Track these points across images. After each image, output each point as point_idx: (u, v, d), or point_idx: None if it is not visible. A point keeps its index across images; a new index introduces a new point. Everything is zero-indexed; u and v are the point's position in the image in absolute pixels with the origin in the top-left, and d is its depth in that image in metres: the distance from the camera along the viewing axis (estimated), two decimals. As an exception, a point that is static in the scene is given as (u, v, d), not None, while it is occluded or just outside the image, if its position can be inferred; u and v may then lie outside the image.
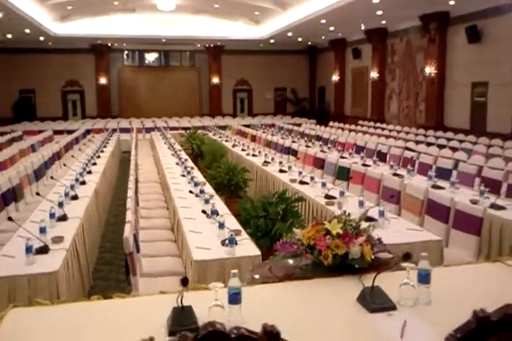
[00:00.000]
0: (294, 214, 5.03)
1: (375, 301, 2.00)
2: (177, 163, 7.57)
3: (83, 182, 6.44)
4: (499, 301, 2.06)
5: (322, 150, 9.50)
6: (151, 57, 22.49)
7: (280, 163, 7.84)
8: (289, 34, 17.49)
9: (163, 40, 19.49)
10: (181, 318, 1.83)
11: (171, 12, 16.03)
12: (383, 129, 14.59)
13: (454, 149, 9.50)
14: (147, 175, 8.29)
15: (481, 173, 6.53)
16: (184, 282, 1.77)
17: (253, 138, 12.78)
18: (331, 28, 16.30)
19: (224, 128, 16.61)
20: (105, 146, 10.86)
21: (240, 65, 21.83)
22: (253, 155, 9.14)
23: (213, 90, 21.97)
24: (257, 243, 4.15)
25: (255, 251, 3.70)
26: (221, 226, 4.07)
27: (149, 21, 17.72)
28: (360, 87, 18.09)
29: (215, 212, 4.51)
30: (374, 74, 16.70)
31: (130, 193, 4.98)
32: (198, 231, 4.22)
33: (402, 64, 15.48)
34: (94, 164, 8.15)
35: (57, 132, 15.84)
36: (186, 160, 8.39)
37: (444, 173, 6.78)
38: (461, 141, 10.60)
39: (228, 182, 7.23)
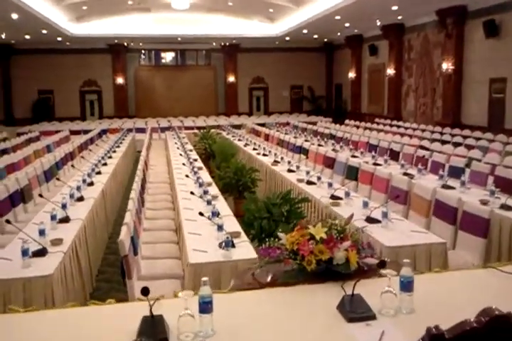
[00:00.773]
0: (297, 215, 4.95)
1: (354, 310, 1.92)
2: (183, 164, 7.55)
3: (91, 183, 6.46)
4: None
5: (334, 149, 9.39)
6: (167, 57, 22.58)
7: (289, 162, 7.76)
8: (305, 31, 17.35)
9: (179, 39, 19.54)
10: (149, 328, 1.78)
11: (186, 11, 16.04)
12: (399, 127, 14.37)
13: (469, 147, 9.28)
14: (158, 176, 8.30)
15: (495, 172, 6.34)
16: (144, 292, 1.72)
17: (266, 137, 12.71)
18: (347, 25, 16.12)
19: (239, 127, 16.56)
20: (118, 146, 10.90)
21: (255, 62, 21.77)
22: (264, 155, 9.08)
23: (229, 89, 21.96)
24: (260, 245, 4.09)
25: (253, 254, 3.64)
26: (219, 228, 4.03)
27: (165, 21, 17.79)
28: (377, 84, 17.85)
29: (215, 214, 4.46)
30: (391, 71, 16.46)
31: (132, 194, 4.96)
32: (198, 233, 4.17)
33: (419, 60, 15.21)
34: (105, 164, 8.18)
35: (74, 132, 15.98)
36: (196, 160, 8.37)
37: (456, 172, 6.61)
38: (477, 139, 10.35)
39: (236, 182, 7.18)
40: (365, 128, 14.26)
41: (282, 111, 21.79)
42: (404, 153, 8.54)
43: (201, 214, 4.10)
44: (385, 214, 4.23)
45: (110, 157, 9.14)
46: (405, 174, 6.60)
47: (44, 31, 15.81)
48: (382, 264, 1.94)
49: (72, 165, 8.59)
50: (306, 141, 10.73)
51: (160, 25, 18.01)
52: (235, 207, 7.18)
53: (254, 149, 10.02)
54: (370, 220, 4.32)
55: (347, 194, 5.16)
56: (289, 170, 7.19)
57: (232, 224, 4.37)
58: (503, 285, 2.23)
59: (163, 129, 16.24)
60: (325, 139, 11.41)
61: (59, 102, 20.77)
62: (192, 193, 5.14)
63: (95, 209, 5.61)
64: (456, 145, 9.57)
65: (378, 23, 15.86)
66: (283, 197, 5.10)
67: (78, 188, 5.84)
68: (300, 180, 6.40)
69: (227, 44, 21.30)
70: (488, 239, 4.25)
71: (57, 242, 3.98)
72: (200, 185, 5.74)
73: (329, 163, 7.82)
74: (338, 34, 18.81)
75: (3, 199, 5.64)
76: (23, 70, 19.79)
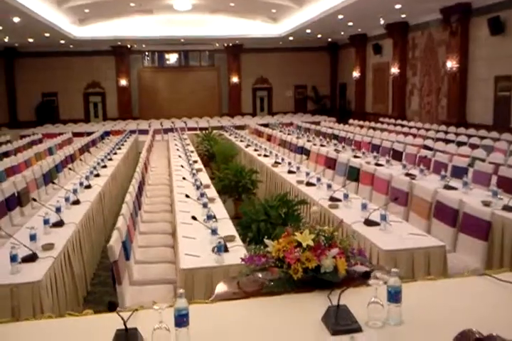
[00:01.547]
0: (294, 218, 4.85)
1: (339, 322, 1.83)
2: (181, 165, 7.47)
3: (88, 186, 6.39)
4: (480, 321, 1.86)
5: (336, 150, 9.27)
6: (170, 58, 22.54)
7: (289, 163, 7.66)
8: (308, 31, 17.24)
9: (182, 41, 19.49)
10: (122, 342, 1.70)
11: (188, 12, 16.01)
12: (403, 126, 14.22)
13: (473, 146, 9.14)
14: (158, 178, 8.22)
15: (498, 172, 6.20)
16: (111, 307, 1.64)
17: (269, 138, 12.61)
18: (350, 24, 16.00)
19: (242, 127, 16.46)
20: (119, 148, 10.84)
21: (259, 63, 21.68)
22: (265, 156, 8.98)
23: (233, 89, 21.88)
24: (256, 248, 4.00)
25: (246, 259, 3.55)
26: (213, 232, 3.94)
27: (167, 22, 17.74)
28: (382, 83, 17.70)
29: (211, 217, 4.37)
30: (395, 70, 16.31)
31: (127, 198, 4.88)
32: (192, 237, 4.09)
33: (423, 58, 15.05)
34: (104, 167, 8.11)
35: (77, 134, 15.95)
36: (196, 161, 8.29)
37: (459, 172, 6.49)
38: (482, 138, 10.20)
39: (236, 184, 7.09)
40: (369, 128, 14.13)
41: (286, 112, 21.69)
42: (407, 153, 8.41)
43: (194, 218, 4.01)
44: (383, 217, 4.12)
45: (110, 159, 9.07)
46: (407, 174, 6.48)
47: (47, 34, 15.81)
48: (367, 275, 1.84)
49: (70, 168, 8.51)
50: (308, 141, 10.61)
51: (163, 26, 17.96)
52: (235, 208, 7.10)
53: (255, 150, 9.93)
54: (369, 223, 4.22)
55: (345, 196, 5.05)
56: (290, 172, 7.09)
57: (228, 228, 4.28)
58: (498, 294, 2.12)
59: (166, 131, 16.18)
60: (327, 139, 11.30)
61: (63, 104, 20.80)
62: (187, 196, 5.04)
63: (91, 212, 5.54)
64: (461, 144, 9.43)
65: (382, 22, 15.71)
66: (280, 200, 5.01)
67: (75, 191, 5.77)
68: (300, 182, 6.30)
69: (231, 45, 21.24)
70: (490, 241, 4.14)
71: (48, 247, 3.91)
72: (198, 188, 5.65)
73: (331, 163, 7.72)
74: (342, 33, 18.68)
75: (-1, 202, 5.59)
76: (27, 73, 19.84)
